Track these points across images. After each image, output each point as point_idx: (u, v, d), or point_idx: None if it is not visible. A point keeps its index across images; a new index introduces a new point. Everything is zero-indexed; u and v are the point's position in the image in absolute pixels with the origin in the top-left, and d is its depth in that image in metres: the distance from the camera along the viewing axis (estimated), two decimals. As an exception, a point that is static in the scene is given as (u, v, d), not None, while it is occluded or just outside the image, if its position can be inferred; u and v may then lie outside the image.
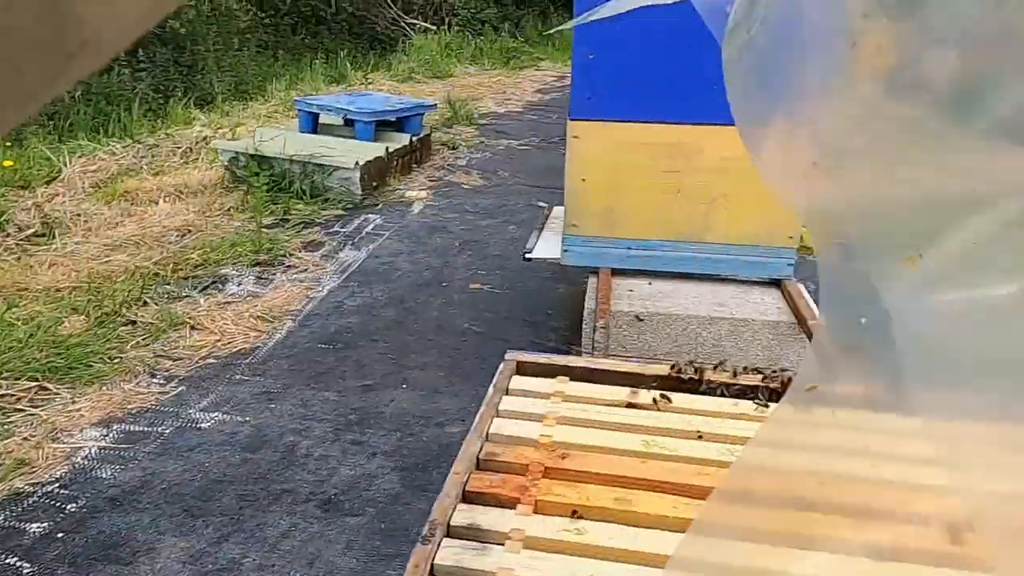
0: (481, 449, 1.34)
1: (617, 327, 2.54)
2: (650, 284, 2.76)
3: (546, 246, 3.03)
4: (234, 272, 3.72)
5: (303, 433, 2.50)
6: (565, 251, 2.82)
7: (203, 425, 2.54)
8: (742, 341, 2.55)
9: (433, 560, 1.05)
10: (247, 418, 2.58)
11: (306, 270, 3.79)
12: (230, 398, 2.70)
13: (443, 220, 4.59)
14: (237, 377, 2.85)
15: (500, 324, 3.28)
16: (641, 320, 2.57)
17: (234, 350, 3.04)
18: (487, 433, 1.39)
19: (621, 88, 2.62)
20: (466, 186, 5.35)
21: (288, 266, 3.82)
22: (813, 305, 2.55)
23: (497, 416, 1.46)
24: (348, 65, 9.63)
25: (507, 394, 1.55)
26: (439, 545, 1.08)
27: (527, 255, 2.96)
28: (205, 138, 5.39)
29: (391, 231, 4.36)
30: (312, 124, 5.49)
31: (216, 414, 2.60)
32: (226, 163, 4.79)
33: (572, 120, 2.70)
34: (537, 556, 1.06)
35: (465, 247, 4.17)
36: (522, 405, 1.50)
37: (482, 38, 12.67)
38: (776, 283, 2.76)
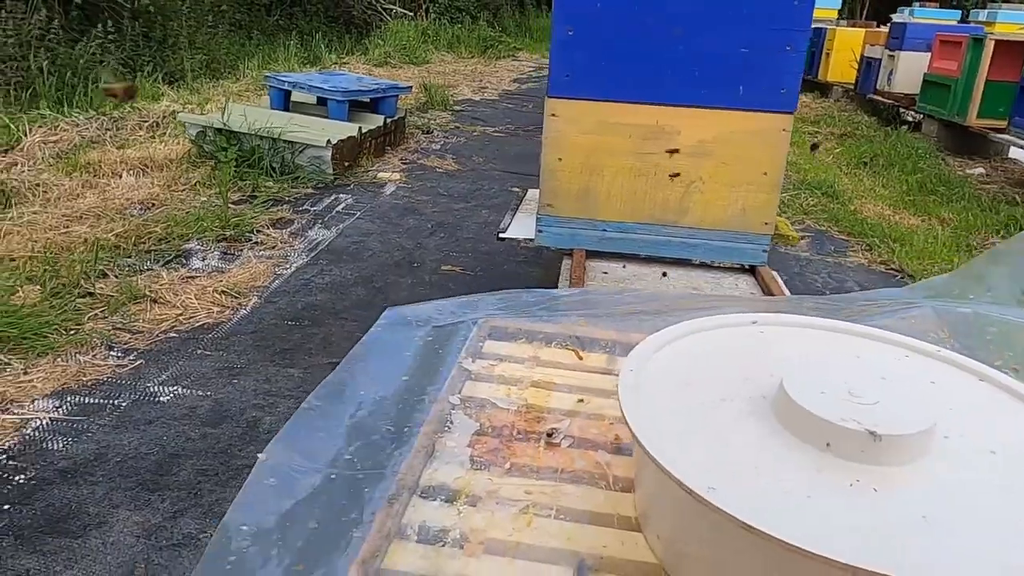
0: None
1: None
2: (624, 267, 2.73)
3: (520, 226, 2.98)
4: (199, 247, 3.62)
5: (266, 409, 2.43)
6: (539, 231, 2.77)
7: (162, 399, 2.45)
8: (716, 326, 2.53)
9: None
10: (208, 393, 2.50)
11: (274, 247, 3.70)
12: (191, 372, 2.62)
13: (416, 202, 4.52)
14: (199, 352, 2.76)
15: (471, 306, 3.23)
16: None
17: (196, 325, 2.95)
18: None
19: (601, 67, 2.57)
20: (440, 170, 5.28)
21: (255, 243, 3.73)
22: (787, 291, 2.54)
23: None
24: (323, 47, 9.50)
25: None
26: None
27: (501, 235, 2.91)
28: (173, 112, 5.26)
29: (362, 211, 4.28)
30: (284, 102, 5.38)
31: (176, 388, 2.52)
32: (193, 137, 4.67)
33: (550, 97, 2.65)
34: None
35: (438, 229, 4.11)
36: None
37: (460, 26, 12.58)
38: (751, 270, 2.75)
